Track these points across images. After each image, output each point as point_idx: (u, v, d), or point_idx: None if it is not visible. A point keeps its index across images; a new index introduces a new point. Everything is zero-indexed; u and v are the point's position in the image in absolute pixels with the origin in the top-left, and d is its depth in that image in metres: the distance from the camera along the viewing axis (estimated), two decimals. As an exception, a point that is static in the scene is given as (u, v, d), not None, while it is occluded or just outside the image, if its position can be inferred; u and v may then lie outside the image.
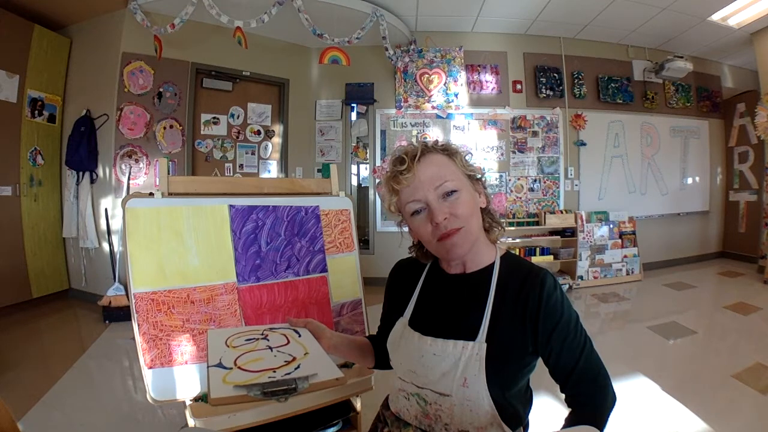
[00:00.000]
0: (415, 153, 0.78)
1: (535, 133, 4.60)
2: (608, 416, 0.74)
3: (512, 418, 0.76)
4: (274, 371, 0.69)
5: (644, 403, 2.00)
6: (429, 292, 0.87)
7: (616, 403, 0.75)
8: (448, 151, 0.81)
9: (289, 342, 0.82)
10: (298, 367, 0.72)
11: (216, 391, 0.63)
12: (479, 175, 0.84)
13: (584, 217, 4.42)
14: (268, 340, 0.83)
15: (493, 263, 0.82)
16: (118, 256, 3.53)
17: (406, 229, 0.86)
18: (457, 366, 0.74)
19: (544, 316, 0.73)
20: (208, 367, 0.70)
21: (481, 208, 0.83)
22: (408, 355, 0.81)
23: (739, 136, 5.24)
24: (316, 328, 0.88)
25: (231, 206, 1.39)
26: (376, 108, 4.50)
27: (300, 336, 0.85)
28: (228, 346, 0.80)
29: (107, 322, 3.24)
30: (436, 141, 0.83)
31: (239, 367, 0.71)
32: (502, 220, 0.89)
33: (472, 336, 0.75)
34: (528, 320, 0.74)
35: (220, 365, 0.71)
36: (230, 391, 0.63)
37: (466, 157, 0.84)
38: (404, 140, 4.49)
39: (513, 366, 0.75)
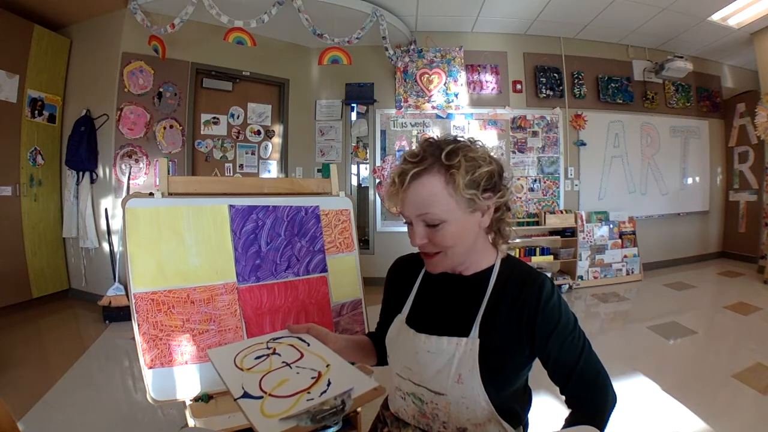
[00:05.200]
0: (405, 178, 0.72)
1: (535, 133, 4.60)
2: (608, 417, 0.74)
3: (510, 417, 0.77)
4: (309, 392, 0.66)
5: (644, 403, 2.00)
6: (427, 289, 0.88)
7: (617, 404, 0.75)
8: (452, 167, 0.71)
9: (303, 355, 0.78)
10: (330, 383, 0.69)
11: (265, 429, 0.59)
12: (485, 195, 0.74)
13: (584, 217, 4.42)
14: (279, 354, 0.79)
15: (493, 266, 0.82)
16: (118, 256, 3.53)
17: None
18: (452, 363, 0.74)
19: (542, 321, 0.73)
20: (235, 399, 0.66)
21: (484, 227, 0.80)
22: (404, 352, 0.82)
23: (739, 136, 5.24)
24: (319, 332, 0.86)
25: (231, 206, 1.39)
26: (376, 108, 4.50)
27: (309, 345, 0.82)
28: (241, 369, 0.75)
29: (107, 322, 3.24)
30: (450, 149, 0.73)
31: (270, 394, 0.66)
32: (508, 231, 0.86)
33: (465, 332, 0.75)
34: (525, 324, 0.74)
35: (247, 395, 0.66)
36: (278, 426, 0.59)
37: (481, 170, 0.72)
38: (404, 140, 4.49)
39: (508, 366, 0.75)
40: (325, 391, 0.66)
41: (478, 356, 0.73)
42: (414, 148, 0.78)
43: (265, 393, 0.67)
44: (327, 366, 0.74)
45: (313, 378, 0.70)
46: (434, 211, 0.72)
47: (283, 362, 0.76)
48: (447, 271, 0.80)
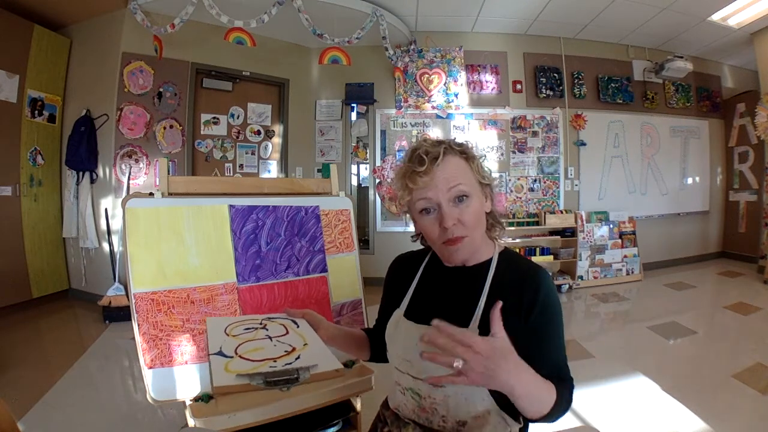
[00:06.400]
0: (436, 155, 0.77)
1: (535, 133, 4.60)
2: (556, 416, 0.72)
3: (511, 409, 0.76)
4: (275, 361, 0.71)
5: (644, 403, 2.00)
6: (426, 283, 0.89)
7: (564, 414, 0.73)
8: (466, 154, 0.82)
9: (288, 332, 0.83)
10: (298, 357, 0.73)
11: (219, 380, 0.64)
12: (489, 181, 0.85)
13: (584, 217, 4.42)
14: (266, 329, 0.84)
15: (491, 258, 0.83)
16: (118, 256, 3.53)
17: (411, 226, 0.88)
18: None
19: (539, 313, 0.74)
20: (208, 354, 0.71)
21: (486, 212, 0.85)
22: (403, 345, 0.83)
23: (739, 136, 5.24)
24: (313, 318, 0.90)
25: (231, 206, 1.39)
26: (376, 108, 4.50)
27: (298, 327, 0.87)
28: (228, 335, 0.81)
29: (107, 322, 3.24)
30: (457, 141, 0.84)
31: (240, 356, 0.72)
32: (503, 221, 0.90)
33: (464, 324, 0.76)
34: (524, 314, 0.75)
35: (221, 353, 0.72)
36: (233, 380, 0.64)
37: (481, 161, 0.85)
38: (404, 140, 4.49)
39: None
40: (290, 363, 0.70)
41: None
42: (422, 143, 0.82)
43: (236, 354, 0.72)
44: (304, 345, 0.78)
45: (286, 351, 0.75)
46: (464, 183, 0.77)
47: (267, 335, 0.81)
48: (465, 258, 0.81)
